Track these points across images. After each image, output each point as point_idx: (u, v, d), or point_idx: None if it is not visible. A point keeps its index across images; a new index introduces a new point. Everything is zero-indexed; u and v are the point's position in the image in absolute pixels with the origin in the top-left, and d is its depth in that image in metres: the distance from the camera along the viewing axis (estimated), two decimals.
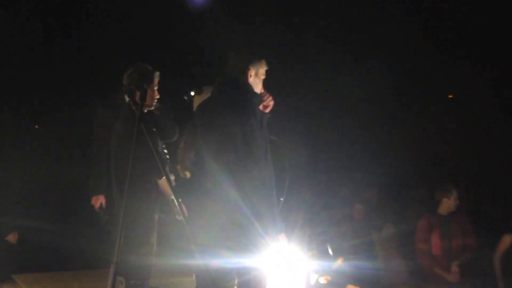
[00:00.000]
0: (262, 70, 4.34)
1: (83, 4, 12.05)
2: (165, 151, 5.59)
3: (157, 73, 5.23)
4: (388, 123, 12.87)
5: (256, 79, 4.32)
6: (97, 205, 5.89)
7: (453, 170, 10.97)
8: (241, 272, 4.09)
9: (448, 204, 7.59)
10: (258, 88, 4.36)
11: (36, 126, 13.53)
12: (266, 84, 4.55)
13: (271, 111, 4.43)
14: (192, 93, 5.99)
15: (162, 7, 12.32)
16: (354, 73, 12.47)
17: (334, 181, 10.34)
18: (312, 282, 6.50)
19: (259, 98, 4.30)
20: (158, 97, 5.37)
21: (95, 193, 5.89)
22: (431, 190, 9.14)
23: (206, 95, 5.23)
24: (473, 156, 11.75)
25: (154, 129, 5.17)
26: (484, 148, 11.87)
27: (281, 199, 4.35)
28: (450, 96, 14.52)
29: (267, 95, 4.48)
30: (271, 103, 4.50)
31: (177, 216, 5.16)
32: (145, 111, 5.04)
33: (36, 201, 9.34)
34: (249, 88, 4.26)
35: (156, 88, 5.29)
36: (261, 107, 4.34)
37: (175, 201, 4.10)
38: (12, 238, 7.94)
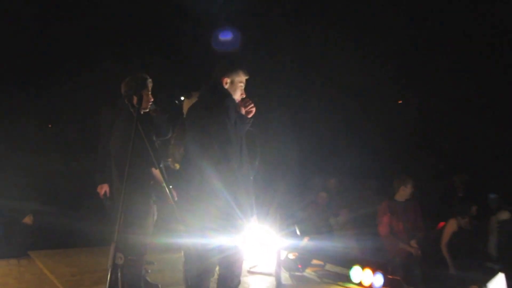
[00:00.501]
0: (238, 78, 4.37)
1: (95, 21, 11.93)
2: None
3: (150, 80, 5.22)
4: (350, 126, 12.99)
5: (233, 86, 4.37)
6: (101, 193, 5.90)
7: (403, 164, 10.98)
8: (222, 250, 4.10)
9: (405, 191, 7.72)
10: (235, 94, 4.39)
11: (50, 126, 13.49)
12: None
13: (253, 116, 4.44)
14: (182, 98, 6.01)
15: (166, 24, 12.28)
16: (318, 85, 12.60)
17: (303, 173, 10.38)
18: (282, 257, 6.51)
19: (234, 102, 4.32)
20: (152, 100, 5.37)
21: (100, 183, 5.92)
22: (382, 181, 9.26)
23: (194, 99, 5.25)
24: (418, 152, 11.84)
25: (151, 128, 5.19)
26: (428, 146, 12.08)
27: (251, 177, 4.35)
28: (399, 102, 14.71)
29: (249, 102, 4.48)
30: (253, 109, 4.49)
31: (168, 201, 5.16)
32: (142, 112, 5.07)
33: (48, 189, 9.31)
34: (225, 94, 4.30)
35: (149, 92, 5.28)
36: (243, 112, 4.36)
37: (166, 188, 4.10)
38: (28, 220, 7.95)
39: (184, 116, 5.05)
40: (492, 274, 5.51)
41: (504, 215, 7.80)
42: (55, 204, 8.23)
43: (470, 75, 12.19)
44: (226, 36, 12.51)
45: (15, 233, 7.70)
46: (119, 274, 3.08)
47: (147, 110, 5.34)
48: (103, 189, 5.90)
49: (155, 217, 5.35)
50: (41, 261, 7.06)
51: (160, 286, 6.01)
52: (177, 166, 4.49)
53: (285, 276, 6.58)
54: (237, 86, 4.39)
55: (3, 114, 10.63)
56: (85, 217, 7.31)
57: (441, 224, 7.90)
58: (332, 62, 12.58)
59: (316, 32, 12.90)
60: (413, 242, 7.54)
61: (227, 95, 4.31)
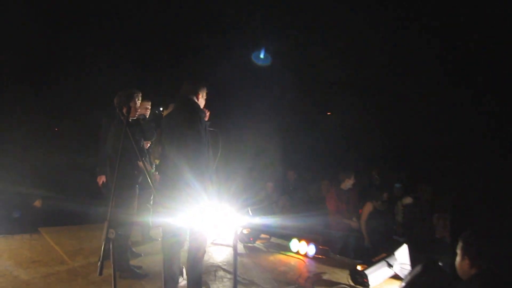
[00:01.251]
0: (205, 93, 4.52)
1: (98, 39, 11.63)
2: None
3: (138, 94, 5.23)
4: (294, 132, 12.99)
5: (202, 99, 4.51)
6: (100, 183, 5.85)
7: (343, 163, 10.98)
8: (191, 226, 4.14)
9: (348, 182, 7.96)
10: (202, 105, 4.54)
11: (56, 129, 13.28)
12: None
13: (209, 119, 4.62)
14: (161, 108, 6.03)
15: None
16: (269, 99, 12.58)
17: (258, 167, 10.37)
18: (238, 232, 6.56)
19: (203, 112, 4.44)
20: (139, 110, 5.40)
21: (99, 174, 5.86)
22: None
23: (170, 109, 5.29)
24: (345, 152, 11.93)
25: (137, 131, 5.22)
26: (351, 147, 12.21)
27: (214, 168, 4.41)
28: (329, 113, 14.86)
29: (206, 109, 4.64)
30: (208, 114, 4.71)
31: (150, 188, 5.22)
32: (130, 120, 5.09)
33: (55, 179, 9.18)
34: (197, 106, 4.41)
35: (138, 102, 5.29)
36: (207, 117, 4.48)
37: (149, 178, 4.13)
38: (37, 203, 7.93)
39: (162, 121, 5.09)
40: (398, 245, 5.61)
41: (407, 200, 7.97)
42: (59, 191, 8.11)
43: (377, 91, 12.30)
44: (262, 55, 12.41)
45: (27, 214, 7.59)
46: (111, 245, 3.09)
47: (135, 118, 5.36)
48: (101, 179, 5.86)
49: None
50: (49, 235, 6.98)
51: (143, 254, 6.01)
52: (157, 161, 4.51)
53: (240, 247, 6.65)
54: (204, 99, 4.53)
55: (18, 121, 10.45)
56: (84, 201, 7.22)
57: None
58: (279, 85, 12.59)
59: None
60: (354, 219, 7.86)
61: (198, 106, 4.42)
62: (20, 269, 5.43)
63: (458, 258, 3.25)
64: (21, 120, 10.26)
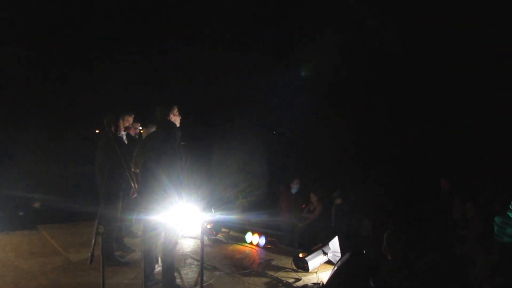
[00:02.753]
0: (175, 111, 4.47)
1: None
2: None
3: (126, 116, 5.25)
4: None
5: (175, 117, 4.47)
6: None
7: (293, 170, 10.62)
8: (166, 222, 4.12)
9: (296, 186, 8.08)
10: (177, 121, 4.50)
11: (52, 144, 12.88)
12: None
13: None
14: (140, 128, 6.01)
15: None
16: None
17: (222, 174, 10.13)
18: (203, 227, 6.52)
19: (178, 129, 4.43)
20: (123, 130, 5.39)
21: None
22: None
23: (150, 128, 5.29)
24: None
25: (122, 146, 5.18)
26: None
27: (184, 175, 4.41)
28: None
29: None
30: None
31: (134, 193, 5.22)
32: (119, 135, 5.09)
33: (52, 185, 8.88)
34: (174, 125, 4.41)
35: (128, 122, 5.36)
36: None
37: (132, 184, 4.12)
38: (36, 205, 7.71)
39: (143, 139, 5.04)
40: (331, 237, 5.69)
41: (338, 201, 8.03)
42: (56, 194, 7.86)
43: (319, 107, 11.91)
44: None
45: (28, 214, 7.33)
46: (100, 239, 3.04)
47: (120, 135, 5.31)
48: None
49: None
50: (46, 231, 6.78)
51: (125, 243, 5.91)
52: (138, 170, 4.47)
53: (205, 239, 6.60)
54: (176, 116, 4.49)
55: (19, 134, 10.07)
56: (77, 203, 7.02)
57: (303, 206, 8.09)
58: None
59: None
60: (302, 213, 7.84)
61: (174, 125, 4.41)
62: (21, 259, 5.26)
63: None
64: (23, 136, 9.91)
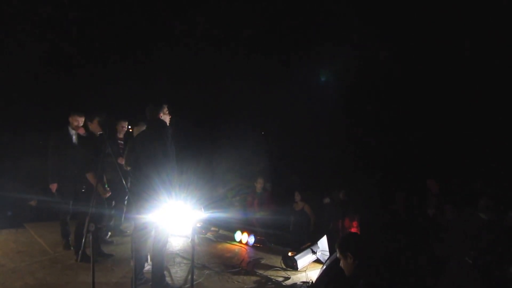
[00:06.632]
0: (165, 110, 4.43)
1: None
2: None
3: (121, 122, 5.25)
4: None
5: (165, 115, 4.43)
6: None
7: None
8: (157, 220, 4.08)
9: (260, 185, 7.92)
10: (167, 119, 4.47)
11: (40, 142, 12.70)
12: None
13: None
14: (129, 126, 5.97)
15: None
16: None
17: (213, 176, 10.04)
18: (193, 226, 6.47)
19: (169, 128, 4.40)
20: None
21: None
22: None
23: (141, 126, 5.23)
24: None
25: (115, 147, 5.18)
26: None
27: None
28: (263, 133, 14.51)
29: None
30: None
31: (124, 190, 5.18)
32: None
33: (42, 184, 8.72)
34: (164, 124, 4.38)
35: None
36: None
37: (124, 183, 4.08)
38: (33, 203, 7.66)
39: (134, 137, 4.98)
40: (320, 236, 5.71)
41: (326, 200, 8.03)
42: (49, 194, 7.76)
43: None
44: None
45: (19, 213, 7.25)
46: (91, 237, 3.01)
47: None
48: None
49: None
50: (33, 229, 6.69)
51: (114, 241, 5.90)
52: (128, 168, 4.42)
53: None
54: (166, 114, 4.45)
55: (18, 135, 9.92)
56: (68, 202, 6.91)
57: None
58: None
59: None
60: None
61: (165, 124, 4.38)
62: (7, 258, 5.14)
63: (341, 261, 3.37)
64: (18, 138, 9.78)
